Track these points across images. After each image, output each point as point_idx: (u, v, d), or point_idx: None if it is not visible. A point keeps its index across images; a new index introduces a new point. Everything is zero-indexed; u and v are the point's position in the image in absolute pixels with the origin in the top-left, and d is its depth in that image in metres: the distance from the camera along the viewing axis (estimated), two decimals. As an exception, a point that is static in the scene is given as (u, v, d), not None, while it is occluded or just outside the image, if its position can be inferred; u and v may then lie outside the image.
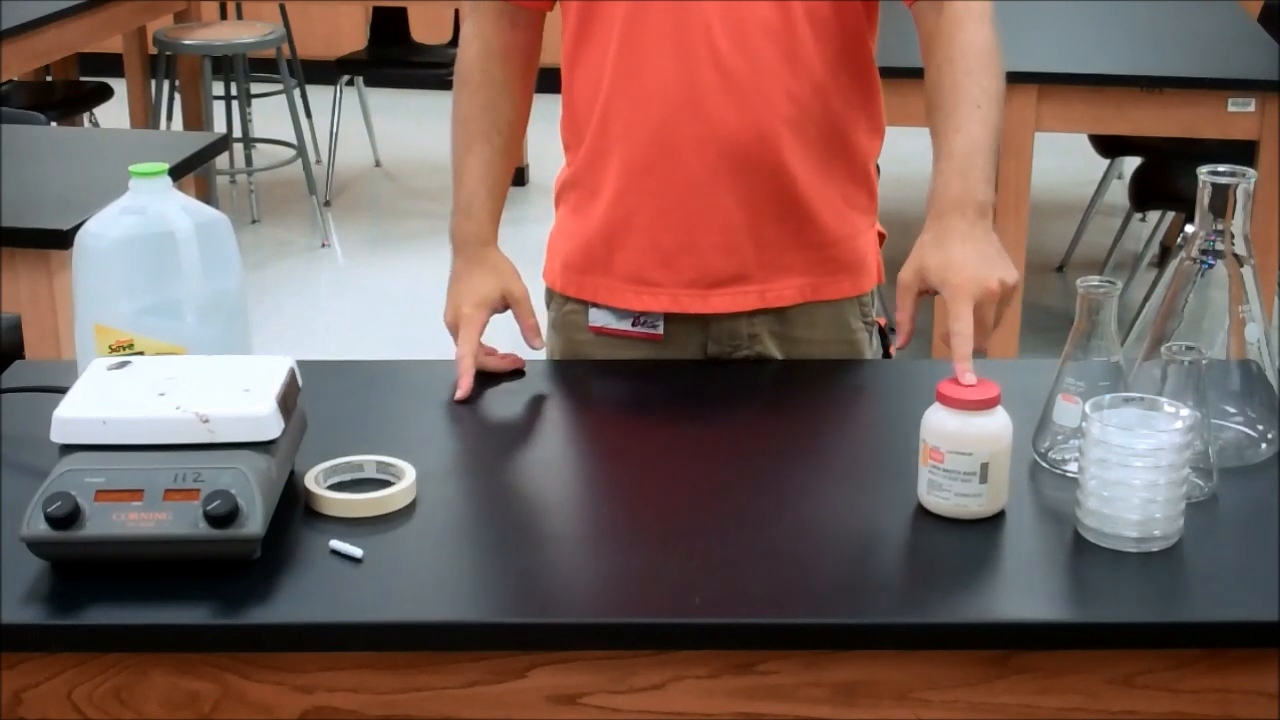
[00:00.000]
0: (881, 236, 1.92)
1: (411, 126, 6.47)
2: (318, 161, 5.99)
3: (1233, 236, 1.55)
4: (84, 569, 1.34)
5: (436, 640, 1.31)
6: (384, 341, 4.50)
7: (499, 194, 1.86)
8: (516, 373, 1.79)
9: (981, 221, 1.61)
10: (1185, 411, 1.40)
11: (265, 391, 1.42)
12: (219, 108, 5.67)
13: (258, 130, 6.03)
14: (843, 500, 1.52)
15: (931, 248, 1.61)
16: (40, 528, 1.32)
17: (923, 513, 1.46)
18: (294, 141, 5.51)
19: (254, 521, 1.33)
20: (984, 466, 1.42)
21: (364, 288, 5.01)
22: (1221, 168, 1.53)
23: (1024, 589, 1.37)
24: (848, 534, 1.45)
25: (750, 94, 1.73)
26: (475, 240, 1.84)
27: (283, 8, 6.13)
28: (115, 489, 1.34)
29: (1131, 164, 4.66)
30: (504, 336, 1.84)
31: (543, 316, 1.89)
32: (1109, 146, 4.72)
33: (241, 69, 5.68)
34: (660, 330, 1.84)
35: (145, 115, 5.61)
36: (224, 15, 6.21)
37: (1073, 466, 1.49)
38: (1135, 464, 1.36)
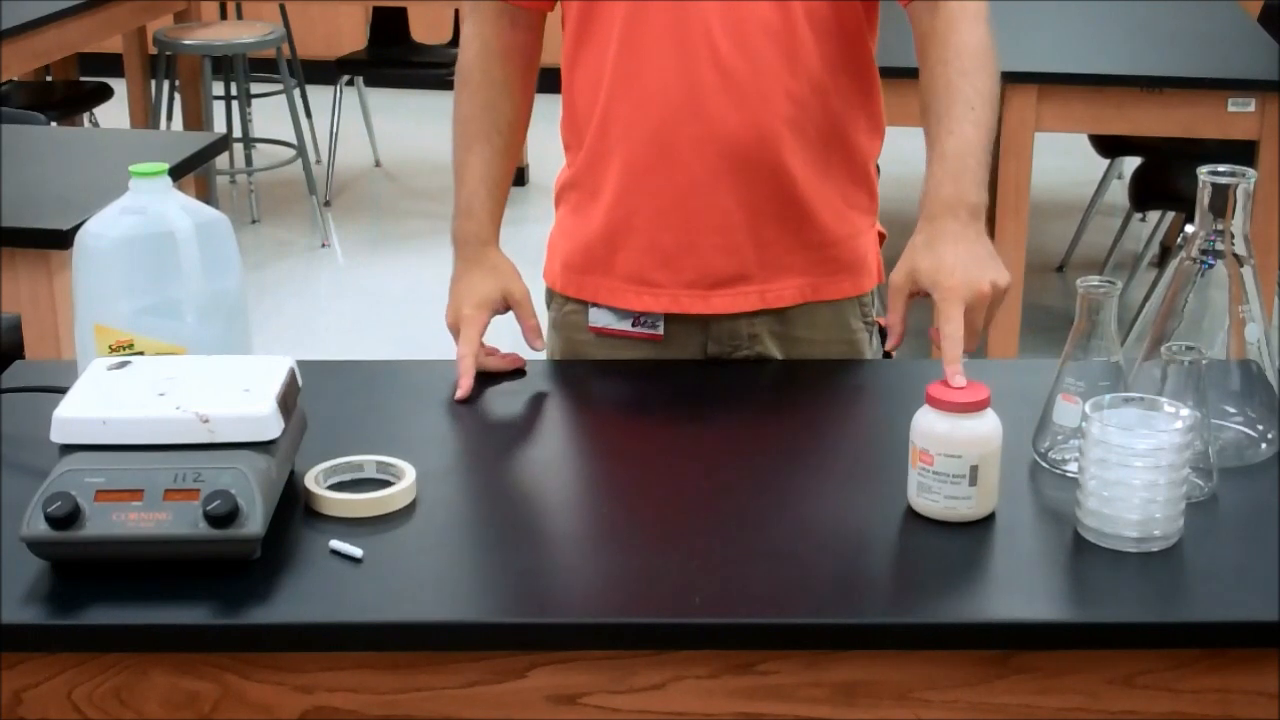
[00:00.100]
0: (882, 236, 1.92)
1: (411, 126, 6.47)
2: (318, 161, 5.99)
3: (1233, 236, 1.55)
4: (84, 569, 1.34)
5: (436, 640, 1.31)
6: (384, 341, 4.50)
7: (500, 194, 1.86)
8: (517, 373, 1.79)
9: (974, 224, 1.61)
10: (1185, 411, 1.40)
11: (265, 391, 1.41)
12: (219, 108, 5.67)
13: (258, 130, 6.03)
14: (842, 500, 1.52)
15: (923, 250, 1.61)
16: (40, 528, 1.32)
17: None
18: (294, 141, 5.51)
19: (254, 521, 1.33)
20: (973, 469, 1.42)
21: (364, 288, 5.01)
22: (1221, 168, 1.53)
23: (1024, 589, 1.37)
24: (847, 534, 1.45)
25: (750, 94, 1.73)
26: (476, 241, 1.84)
27: (283, 8, 6.13)
28: (115, 489, 1.33)
29: (1131, 164, 4.66)
30: (505, 337, 1.84)
31: (543, 317, 1.89)
32: (1109, 146, 4.72)
33: (241, 69, 5.68)
34: (660, 330, 1.84)
35: (145, 115, 5.61)
36: (224, 15, 6.21)
37: (1073, 466, 1.49)
38: (1135, 464, 1.36)
